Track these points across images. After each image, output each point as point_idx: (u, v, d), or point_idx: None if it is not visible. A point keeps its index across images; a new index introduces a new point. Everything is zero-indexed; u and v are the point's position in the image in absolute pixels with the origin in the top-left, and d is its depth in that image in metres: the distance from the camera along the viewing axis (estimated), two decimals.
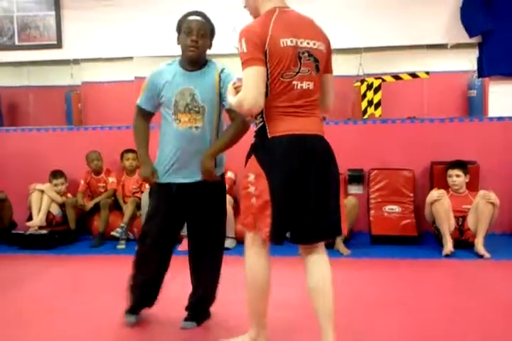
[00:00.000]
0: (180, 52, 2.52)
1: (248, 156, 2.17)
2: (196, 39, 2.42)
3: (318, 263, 2.20)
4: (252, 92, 1.99)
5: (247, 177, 2.14)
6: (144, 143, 2.61)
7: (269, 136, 2.08)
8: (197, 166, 2.48)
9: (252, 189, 2.11)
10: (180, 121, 2.46)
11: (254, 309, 2.27)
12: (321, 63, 2.13)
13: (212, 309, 2.78)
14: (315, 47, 2.10)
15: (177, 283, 2.86)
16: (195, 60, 2.47)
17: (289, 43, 2.02)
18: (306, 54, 2.07)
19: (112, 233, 4.47)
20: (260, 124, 2.12)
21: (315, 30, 2.16)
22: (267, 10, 2.11)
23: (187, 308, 2.74)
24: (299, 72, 2.06)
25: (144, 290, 2.70)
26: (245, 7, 2.27)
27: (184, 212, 2.60)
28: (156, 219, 2.59)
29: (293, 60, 2.04)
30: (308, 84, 2.09)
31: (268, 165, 2.06)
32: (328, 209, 2.12)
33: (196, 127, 2.47)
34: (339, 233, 2.21)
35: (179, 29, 2.50)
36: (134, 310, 2.71)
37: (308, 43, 2.08)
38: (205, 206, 2.59)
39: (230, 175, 4.62)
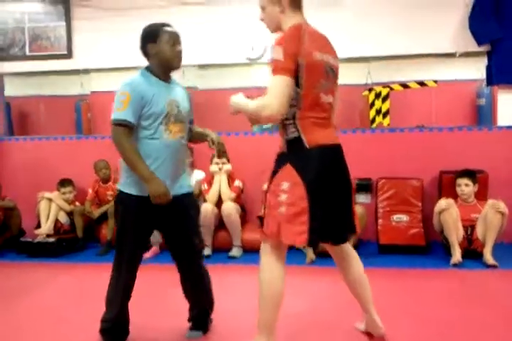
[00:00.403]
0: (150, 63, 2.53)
1: (279, 165, 2.22)
2: (181, 49, 2.49)
3: (354, 257, 2.44)
4: (279, 100, 2.06)
5: (278, 186, 2.18)
6: (143, 161, 2.37)
7: (306, 146, 2.16)
8: (184, 177, 2.56)
9: (283, 197, 2.15)
10: (171, 131, 2.45)
11: (266, 316, 2.28)
12: (336, 77, 2.30)
13: (221, 319, 2.78)
14: (334, 62, 2.26)
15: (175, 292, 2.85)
16: (175, 70, 2.52)
17: (318, 57, 2.15)
18: (328, 68, 2.21)
19: None
20: (294, 134, 2.19)
21: (331, 45, 2.31)
22: (292, 24, 2.18)
23: (190, 320, 2.74)
24: (325, 86, 2.19)
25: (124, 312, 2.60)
26: (262, 20, 2.33)
27: (162, 224, 2.54)
28: (138, 237, 2.50)
29: (322, 73, 2.17)
30: (330, 98, 2.25)
31: (306, 174, 2.13)
32: (351, 212, 2.34)
33: (182, 137, 2.53)
34: (356, 230, 2.40)
35: (154, 38, 2.46)
36: (118, 339, 2.59)
37: (328, 58, 2.22)
38: (189, 217, 2.60)
39: (237, 183, 4.63)
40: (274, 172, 2.23)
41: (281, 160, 2.23)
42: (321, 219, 2.15)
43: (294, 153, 2.20)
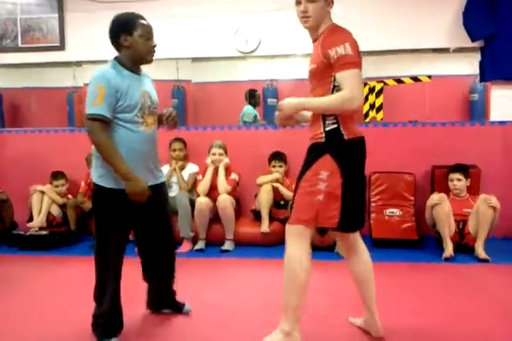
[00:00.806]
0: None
1: (317, 156, 2.27)
2: (155, 44, 2.49)
3: (364, 251, 2.50)
4: (360, 91, 2.22)
5: (317, 175, 2.25)
6: (121, 157, 2.33)
7: (345, 138, 2.26)
8: (157, 167, 2.64)
9: (322, 186, 2.24)
10: (147, 123, 2.47)
11: (293, 302, 2.30)
12: None
13: (214, 312, 2.79)
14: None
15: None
16: (147, 64, 2.51)
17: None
18: None
19: None
20: (333, 126, 2.26)
21: None
22: (334, 23, 2.31)
23: (169, 304, 2.85)
24: None
25: (118, 306, 2.56)
26: (304, 12, 2.27)
27: (141, 214, 2.54)
28: (120, 229, 2.48)
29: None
30: None
31: (346, 165, 2.25)
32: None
33: (156, 128, 2.58)
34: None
35: (130, 30, 2.40)
36: (111, 334, 2.52)
37: None
38: (165, 205, 2.71)
39: (233, 176, 4.63)
40: (311, 162, 2.29)
41: (319, 151, 2.29)
42: (352, 207, 2.29)
43: (333, 144, 2.27)
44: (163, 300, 2.86)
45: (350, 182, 2.26)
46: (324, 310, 2.88)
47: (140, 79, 2.51)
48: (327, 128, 2.27)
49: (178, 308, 2.85)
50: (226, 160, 4.63)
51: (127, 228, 2.54)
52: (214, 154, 4.62)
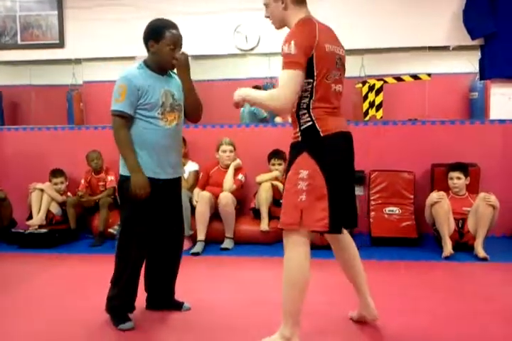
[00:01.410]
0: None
1: (296, 155, 2.26)
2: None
3: (349, 239, 2.52)
4: (290, 93, 2.16)
5: (296, 175, 2.22)
6: (133, 152, 2.56)
7: (321, 135, 2.23)
8: (178, 162, 2.77)
9: (302, 185, 2.20)
10: (167, 119, 2.63)
11: (292, 308, 2.29)
12: (344, 68, 2.38)
13: (214, 310, 2.82)
14: (341, 53, 2.34)
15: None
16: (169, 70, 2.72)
17: (330, 49, 2.23)
18: (338, 59, 2.29)
19: (110, 230, 4.47)
20: (308, 124, 2.25)
21: (337, 37, 2.36)
22: (300, 18, 2.24)
23: (168, 303, 2.89)
24: (336, 76, 2.27)
25: (133, 290, 2.71)
26: (267, 17, 2.39)
27: (161, 204, 2.68)
28: (144, 218, 2.62)
29: (333, 64, 2.25)
30: (340, 87, 2.33)
31: (323, 161, 2.20)
32: (355, 197, 2.45)
33: (177, 124, 2.70)
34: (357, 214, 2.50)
35: (157, 38, 2.58)
36: (125, 317, 2.68)
37: (339, 50, 2.30)
38: (178, 200, 2.85)
39: (240, 177, 4.67)
40: (291, 162, 2.28)
41: (296, 150, 2.28)
42: (340, 205, 2.24)
43: (309, 142, 2.25)
44: (163, 299, 2.88)
45: (335, 179, 2.21)
46: (323, 306, 2.88)
47: (164, 79, 2.68)
48: (302, 127, 2.26)
49: (177, 307, 2.87)
50: (239, 161, 4.66)
51: (151, 217, 2.64)
52: (224, 151, 4.63)
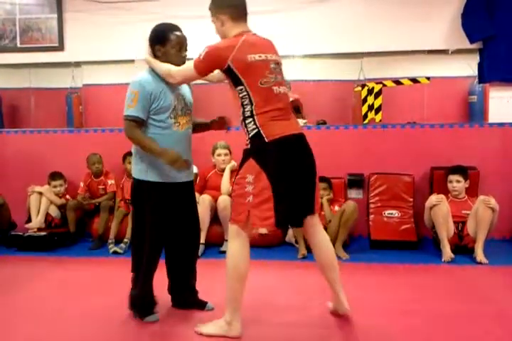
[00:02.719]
0: None
1: (244, 160, 2.47)
2: (186, 55, 2.73)
3: (325, 240, 2.65)
4: (182, 79, 2.59)
5: (244, 179, 2.43)
6: (153, 141, 2.63)
7: (266, 140, 2.40)
8: (191, 166, 2.84)
9: (249, 188, 2.41)
10: (180, 123, 2.71)
11: (233, 295, 2.51)
12: (282, 71, 2.57)
13: (218, 313, 2.82)
14: (278, 59, 2.55)
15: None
16: None
17: (257, 58, 2.42)
18: (274, 65, 2.49)
19: (115, 249, 4.40)
20: (254, 131, 2.43)
21: (274, 47, 2.59)
22: (235, 33, 2.50)
23: (192, 302, 2.95)
24: (275, 79, 2.46)
25: (150, 289, 2.81)
26: (217, 33, 2.63)
27: (175, 207, 2.76)
28: (158, 220, 2.70)
29: (266, 70, 2.44)
30: (284, 89, 2.51)
31: (268, 166, 2.39)
32: (314, 193, 2.57)
33: (189, 127, 2.80)
34: (315, 212, 2.61)
35: (163, 42, 2.67)
36: (150, 311, 2.80)
37: (272, 56, 2.51)
38: (193, 201, 2.92)
39: None
40: (240, 167, 2.50)
41: (245, 155, 2.49)
42: (285, 205, 2.41)
43: (255, 148, 2.45)
44: (187, 298, 2.96)
45: (279, 182, 2.38)
46: (318, 308, 2.88)
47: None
48: (250, 134, 2.45)
49: (201, 306, 2.94)
50: (234, 163, 4.64)
51: (164, 219, 2.73)
52: (219, 155, 4.62)
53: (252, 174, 2.40)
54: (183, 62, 2.68)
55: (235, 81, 2.43)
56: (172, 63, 2.65)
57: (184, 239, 2.86)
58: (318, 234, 2.65)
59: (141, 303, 2.79)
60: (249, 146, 2.47)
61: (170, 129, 2.67)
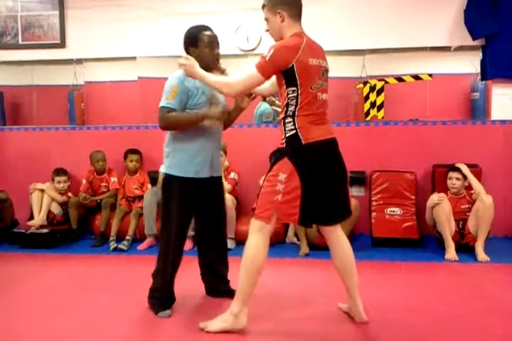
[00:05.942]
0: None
1: (278, 159, 2.48)
2: (219, 52, 2.83)
3: (343, 242, 2.65)
4: (242, 88, 2.53)
5: (276, 176, 2.46)
6: (187, 114, 2.74)
7: (303, 143, 2.44)
8: (218, 161, 2.98)
9: (280, 186, 2.44)
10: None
11: (245, 287, 2.53)
12: (327, 78, 2.59)
13: (220, 310, 2.80)
14: (327, 66, 2.58)
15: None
16: (214, 70, 2.84)
17: (314, 62, 2.45)
18: (324, 71, 2.53)
19: (120, 246, 4.42)
20: (292, 132, 2.46)
21: (323, 52, 2.60)
22: (293, 33, 2.49)
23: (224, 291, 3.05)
24: (321, 86, 2.49)
25: (172, 283, 2.88)
26: (267, 30, 2.60)
27: (202, 202, 2.90)
28: (183, 213, 2.82)
29: (318, 75, 2.48)
30: (326, 96, 2.56)
31: (302, 167, 2.43)
32: (347, 197, 2.64)
33: (220, 124, 2.85)
34: (350, 213, 2.69)
35: (195, 43, 2.77)
36: (167, 305, 2.86)
37: (324, 63, 2.54)
38: (220, 197, 3.03)
39: (232, 175, 4.65)
40: (273, 164, 2.50)
41: (279, 154, 2.49)
42: (312, 205, 2.45)
43: (291, 148, 2.47)
44: (219, 287, 3.09)
45: (310, 184, 2.43)
46: (319, 304, 2.88)
47: None
48: (287, 134, 2.48)
49: (232, 294, 2.92)
50: (226, 163, 4.64)
51: (190, 214, 2.89)
52: None
53: (285, 173, 2.43)
54: (217, 60, 2.80)
55: (290, 81, 2.43)
56: (207, 62, 2.75)
57: (212, 232, 3.01)
58: (343, 242, 2.66)
59: (160, 295, 2.85)
60: (284, 146, 2.50)
61: (203, 125, 2.73)
